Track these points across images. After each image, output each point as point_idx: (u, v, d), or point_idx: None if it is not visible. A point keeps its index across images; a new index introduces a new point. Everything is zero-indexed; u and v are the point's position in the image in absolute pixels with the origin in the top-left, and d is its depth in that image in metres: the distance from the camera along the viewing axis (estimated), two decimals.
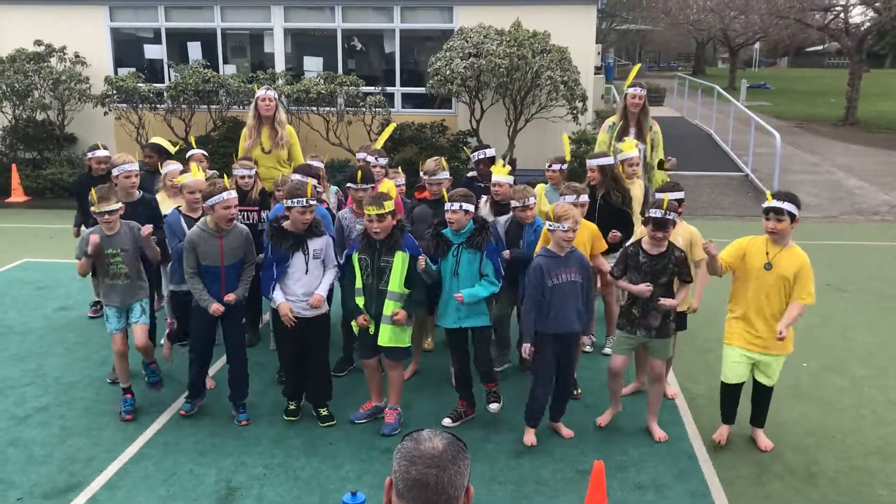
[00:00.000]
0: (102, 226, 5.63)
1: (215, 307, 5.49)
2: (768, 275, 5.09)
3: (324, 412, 5.75)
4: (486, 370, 5.67)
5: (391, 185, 5.59)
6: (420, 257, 5.38)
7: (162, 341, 7.00)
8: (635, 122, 7.82)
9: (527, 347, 5.33)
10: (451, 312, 5.52)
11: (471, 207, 5.43)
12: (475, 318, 5.53)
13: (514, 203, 5.96)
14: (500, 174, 6.33)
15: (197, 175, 5.98)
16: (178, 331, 6.24)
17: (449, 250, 5.47)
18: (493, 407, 5.67)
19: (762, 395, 5.44)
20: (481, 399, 5.78)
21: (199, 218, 5.81)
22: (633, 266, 5.35)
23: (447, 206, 5.42)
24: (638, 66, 8.60)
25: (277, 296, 5.52)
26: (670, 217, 5.21)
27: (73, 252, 5.75)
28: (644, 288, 5.24)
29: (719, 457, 5.34)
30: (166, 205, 6.59)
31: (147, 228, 5.72)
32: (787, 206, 5.02)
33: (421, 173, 6.47)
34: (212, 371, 6.20)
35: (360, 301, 5.48)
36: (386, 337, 5.43)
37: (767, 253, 5.11)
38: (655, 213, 5.21)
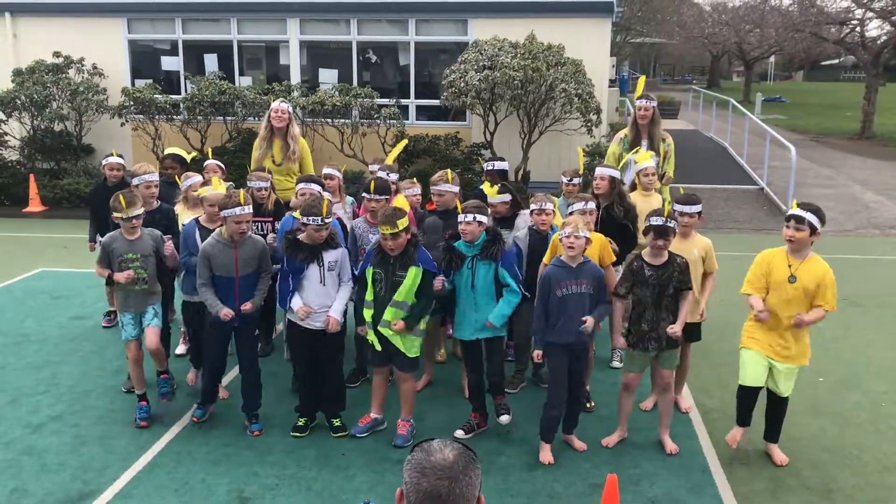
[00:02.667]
0: (125, 231, 5.67)
1: (225, 312, 5.50)
2: (791, 287, 5.09)
3: (337, 423, 5.74)
4: (498, 381, 5.65)
5: (404, 201, 5.59)
6: (437, 279, 5.42)
7: (177, 350, 7.06)
8: (647, 135, 7.81)
9: (536, 353, 5.38)
10: (469, 325, 5.52)
11: (484, 219, 5.45)
12: (491, 329, 5.52)
13: (532, 206, 6.00)
14: (490, 195, 6.30)
15: (218, 188, 6.00)
16: (198, 355, 6.24)
17: (463, 263, 5.47)
18: (504, 419, 5.64)
19: (776, 407, 5.40)
20: (493, 411, 5.76)
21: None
22: (641, 281, 5.33)
23: (461, 217, 5.42)
24: (643, 77, 8.63)
25: (295, 301, 5.53)
26: (671, 225, 5.23)
27: (89, 261, 5.80)
28: (621, 343, 5.44)
29: (734, 471, 5.29)
30: (185, 216, 6.62)
31: (169, 246, 5.80)
32: (808, 215, 5.01)
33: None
34: (225, 381, 6.22)
35: (367, 314, 5.47)
36: (373, 338, 5.47)
37: (790, 266, 5.10)
38: (656, 220, 5.22)
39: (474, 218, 5.39)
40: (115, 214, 5.64)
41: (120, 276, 5.64)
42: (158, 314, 5.91)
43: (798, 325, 5.05)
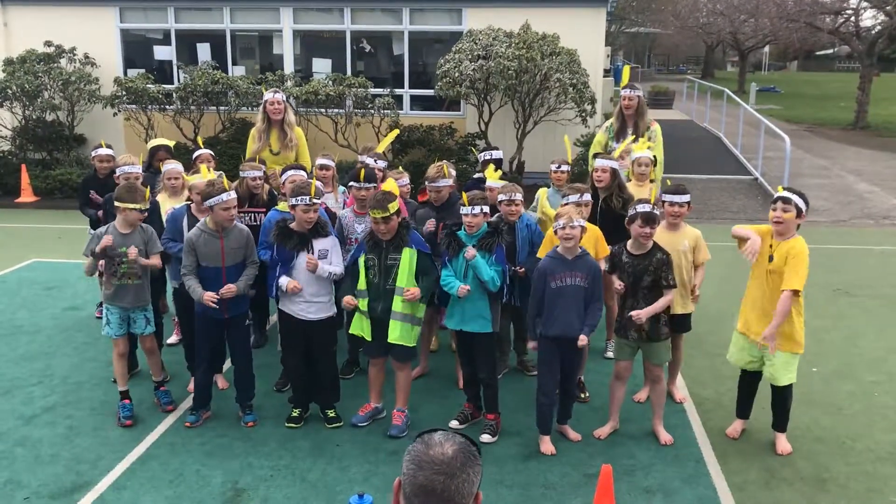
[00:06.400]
0: (121, 224, 5.59)
1: (209, 295, 5.39)
2: (769, 266, 5.18)
3: (331, 414, 5.74)
4: (487, 378, 5.58)
5: (394, 185, 5.55)
6: (469, 249, 5.32)
7: (169, 340, 7.04)
8: (632, 124, 7.84)
9: (531, 344, 5.35)
10: (457, 314, 5.50)
11: (487, 209, 5.44)
12: (477, 322, 5.46)
13: (500, 197, 5.96)
14: (493, 179, 6.33)
15: (206, 176, 5.96)
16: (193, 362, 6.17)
17: (460, 252, 5.44)
18: (485, 438, 5.52)
19: (776, 397, 5.43)
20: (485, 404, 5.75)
21: None
22: (618, 265, 5.40)
23: (466, 210, 5.36)
24: (627, 67, 8.69)
25: (283, 280, 5.48)
26: (658, 212, 5.28)
27: (82, 252, 5.74)
28: (617, 286, 5.33)
29: (728, 461, 5.31)
30: (166, 205, 6.59)
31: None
32: (795, 197, 5.12)
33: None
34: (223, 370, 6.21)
35: (362, 304, 5.43)
36: (396, 334, 5.38)
37: (771, 246, 5.20)
38: (644, 206, 5.23)
39: (481, 210, 5.37)
40: (132, 206, 5.50)
41: (105, 241, 5.46)
42: (151, 321, 5.85)
43: (765, 341, 5.08)
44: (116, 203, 5.60)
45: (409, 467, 1.89)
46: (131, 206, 5.53)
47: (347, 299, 5.41)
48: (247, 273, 5.63)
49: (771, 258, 5.17)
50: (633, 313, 5.26)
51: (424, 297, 5.49)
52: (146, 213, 5.66)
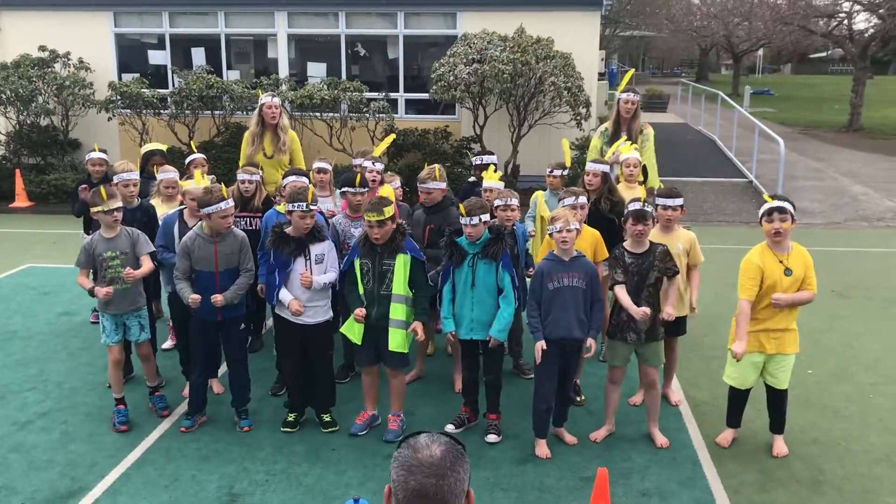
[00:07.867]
0: (104, 229, 5.60)
1: (193, 298, 5.38)
2: (788, 280, 5.10)
3: (327, 418, 5.73)
4: (493, 380, 5.59)
5: (390, 190, 5.57)
6: (415, 325, 5.37)
7: (164, 345, 7.01)
8: (626, 128, 7.85)
9: (539, 345, 5.20)
10: (465, 324, 5.46)
11: (487, 217, 5.37)
12: (487, 329, 5.44)
13: (496, 202, 5.96)
14: (492, 180, 6.35)
15: (200, 182, 5.95)
16: (188, 367, 6.12)
17: (464, 261, 5.41)
18: (491, 438, 5.54)
19: (775, 400, 5.42)
20: (484, 406, 5.75)
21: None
22: (621, 268, 5.37)
23: (466, 220, 5.30)
24: (631, 71, 8.74)
25: (284, 295, 5.49)
26: (649, 209, 5.28)
27: (76, 257, 5.72)
28: (643, 314, 5.20)
29: (724, 464, 5.31)
30: (161, 210, 6.59)
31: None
32: (789, 205, 5.09)
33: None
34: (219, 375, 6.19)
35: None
36: (397, 342, 5.37)
37: (781, 261, 5.10)
38: (634, 204, 5.27)
39: (480, 220, 5.31)
40: (94, 209, 5.52)
41: (100, 292, 5.48)
42: (145, 328, 5.83)
43: (777, 304, 5.04)
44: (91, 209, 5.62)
45: (399, 473, 1.89)
46: (94, 209, 5.53)
47: (358, 313, 5.36)
48: (238, 282, 5.56)
49: (788, 271, 5.07)
50: (666, 314, 5.32)
51: (423, 314, 5.47)
52: (116, 214, 5.56)
